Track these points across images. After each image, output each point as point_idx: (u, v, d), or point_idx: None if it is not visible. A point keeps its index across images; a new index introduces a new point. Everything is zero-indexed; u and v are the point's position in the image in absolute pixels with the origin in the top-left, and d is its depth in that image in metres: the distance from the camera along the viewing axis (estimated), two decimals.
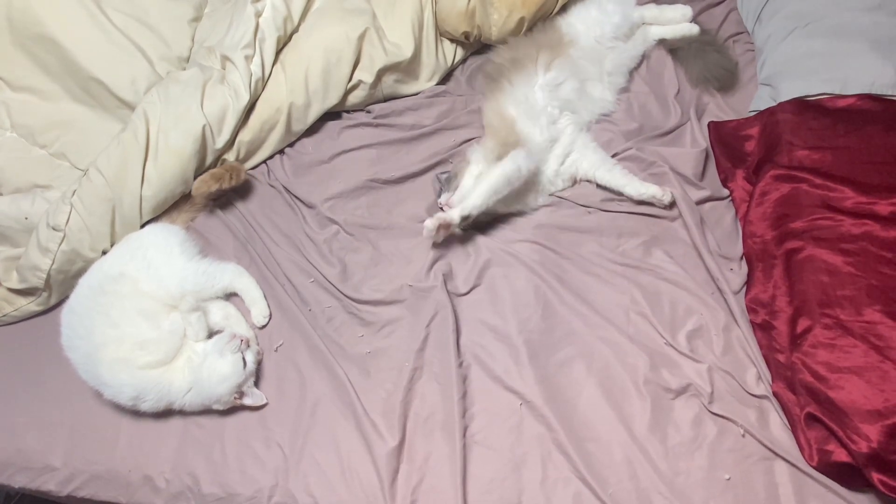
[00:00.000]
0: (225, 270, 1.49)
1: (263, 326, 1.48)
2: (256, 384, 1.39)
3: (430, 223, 1.45)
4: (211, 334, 1.42)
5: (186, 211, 1.63)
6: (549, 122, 1.62)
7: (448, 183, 1.59)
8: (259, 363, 1.40)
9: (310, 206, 1.64)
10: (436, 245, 1.53)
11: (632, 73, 1.79)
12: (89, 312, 1.36)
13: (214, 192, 1.61)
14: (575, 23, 1.74)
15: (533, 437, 1.30)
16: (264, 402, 1.35)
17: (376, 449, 1.30)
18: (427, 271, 1.50)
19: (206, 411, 1.36)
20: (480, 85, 1.82)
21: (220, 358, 1.31)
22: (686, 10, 1.77)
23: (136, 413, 1.37)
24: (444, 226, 1.46)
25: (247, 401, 1.34)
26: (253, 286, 1.49)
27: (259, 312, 1.47)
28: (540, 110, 1.61)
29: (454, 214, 1.46)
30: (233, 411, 1.37)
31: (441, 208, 1.57)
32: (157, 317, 1.36)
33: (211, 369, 1.30)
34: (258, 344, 1.43)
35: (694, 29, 1.75)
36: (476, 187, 1.48)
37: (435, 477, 1.27)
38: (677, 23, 1.77)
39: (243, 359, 1.32)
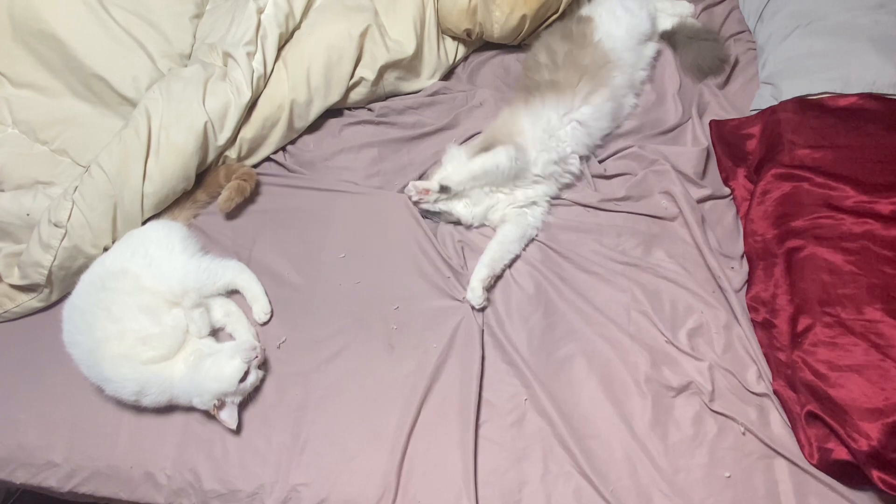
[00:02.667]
0: (226, 267, 1.49)
1: (265, 323, 1.48)
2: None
3: (412, 187, 1.55)
4: (213, 331, 1.42)
5: (188, 208, 1.63)
6: (556, 158, 1.58)
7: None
8: (257, 388, 1.38)
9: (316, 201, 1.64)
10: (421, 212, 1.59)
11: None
12: (91, 309, 1.36)
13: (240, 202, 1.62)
14: (612, 30, 1.68)
15: (535, 431, 1.30)
16: (234, 427, 1.32)
17: (382, 440, 1.30)
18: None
19: None
20: (511, 90, 1.78)
21: (228, 359, 1.30)
22: (690, 6, 1.85)
23: (137, 409, 1.37)
24: (423, 192, 1.54)
25: (223, 414, 1.31)
26: (254, 283, 1.49)
27: (260, 309, 1.47)
28: (555, 143, 1.58)
29: (434, 183, 1.52)
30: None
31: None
32: (159, 313, 1.36)
33: (213, 363, 1.30)
34: (263, 350, 1.39)
35: (690, 7, 1.85)
36: (461, 168, 1.53)
37: (439, 468, 1.28)
38: (684, 16, 1.82)
39: (247, 372, 1.31)
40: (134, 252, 1.45)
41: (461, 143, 1.68)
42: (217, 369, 1.29)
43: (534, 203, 1.57)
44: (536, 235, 1.55)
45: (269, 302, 1.49)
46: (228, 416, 1.32)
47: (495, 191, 1.55)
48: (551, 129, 1.58)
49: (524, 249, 1.53)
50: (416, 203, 1.57)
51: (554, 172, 1.58)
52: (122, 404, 1.38)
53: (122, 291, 1.37)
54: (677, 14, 1.83)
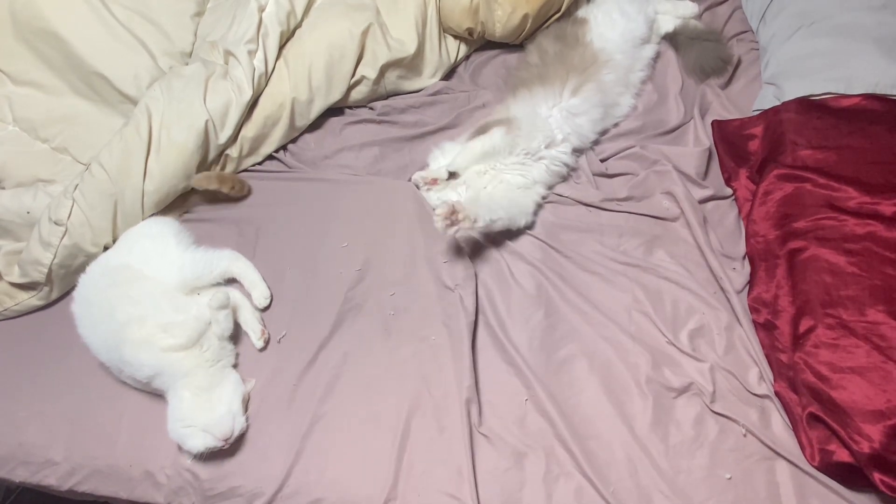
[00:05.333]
0: (221, 257, 1.48)
1: (265, 308, 1.47)
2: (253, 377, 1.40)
3: (419, 178, 1.57)
4: (234, 335, 1.42)
5: (179, 205, 1.62)
6: (545, 140, 1.57)
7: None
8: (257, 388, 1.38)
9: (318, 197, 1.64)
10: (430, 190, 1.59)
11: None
12: (102, 301, 1.36)
13: (212, 191, 1.60)
14: (605, 33, 1.69)
15: (536, 431, 1.30)
16: (187, 463, 1.31)
17: (381, 431, 1.30)
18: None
19: None
20: (501, 89, 1.80)
21: (200, 430, 1.27)
22: (694, 7, 1.85)
23: (137, 408, 1.37)
24: (431, 182, 1.56)
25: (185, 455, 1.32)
26: (251, 270, 1.49)
27: (260, 294, 1.47)
28: (543, 126, 1.58)
29: (441, 171, 1.55)
30: None
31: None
32: (178, 301, 1.37)
33: (189, 421, 1.28)
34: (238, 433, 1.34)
35: (694, 7, 1.84)
36: (463, 152, 1.55)
37: (443, 467, 1.27)
38: (687, 17, 1.82)
39: (202, 451, 1.28)
40: (131, 249, 1.46)
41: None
42: (185, 431, 1.27)
43: (526, 188, 1.57)
44: (529, 225, 1.55)
45: (268, 287, 1.48)
46: (187, 455, 1.32)
47: (488, 170, 1.56)
48: (539, 113, 1.59)
49: (502, 228, 1.53)
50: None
51: (545, 156, 1.58)
52: (121, 403, 1.38)
53: (132, 280, 1.38)
54: (681, 15, 1.82)
